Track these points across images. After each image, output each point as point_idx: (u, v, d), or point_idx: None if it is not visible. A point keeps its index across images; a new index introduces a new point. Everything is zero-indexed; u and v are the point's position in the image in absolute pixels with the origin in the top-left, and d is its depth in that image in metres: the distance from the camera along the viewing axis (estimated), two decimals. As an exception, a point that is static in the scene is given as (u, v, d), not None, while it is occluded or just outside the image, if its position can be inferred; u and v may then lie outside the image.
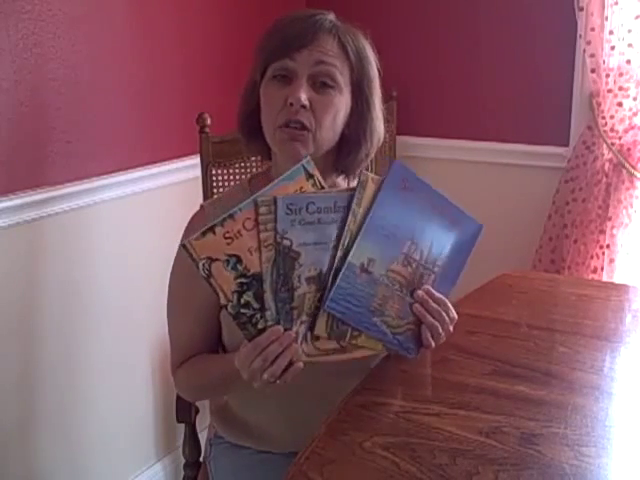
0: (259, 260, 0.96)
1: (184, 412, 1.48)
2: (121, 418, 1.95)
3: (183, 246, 0.95)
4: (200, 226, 1.08)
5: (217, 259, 0.95)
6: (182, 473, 1.52)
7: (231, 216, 0.95)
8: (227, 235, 0.95)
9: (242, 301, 0.96)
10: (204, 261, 0.94)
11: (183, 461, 1.53)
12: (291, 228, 0.96)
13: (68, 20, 1.65)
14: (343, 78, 1.10)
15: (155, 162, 1.93)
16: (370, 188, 1.02)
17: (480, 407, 1.02)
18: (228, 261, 0.95)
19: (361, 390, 1.07)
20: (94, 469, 1.89)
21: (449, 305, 1.07)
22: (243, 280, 0.96)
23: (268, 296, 0.96)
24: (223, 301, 0.96)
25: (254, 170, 1.68)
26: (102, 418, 1.89)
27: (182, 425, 1.51)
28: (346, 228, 1.00)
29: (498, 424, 0.97)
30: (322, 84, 1.08)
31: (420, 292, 1.05)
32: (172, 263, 1.22)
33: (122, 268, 1.88)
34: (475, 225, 1.10)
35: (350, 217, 1.00)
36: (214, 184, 1.66)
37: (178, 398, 1.45)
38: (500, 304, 1.42)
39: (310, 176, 1.00)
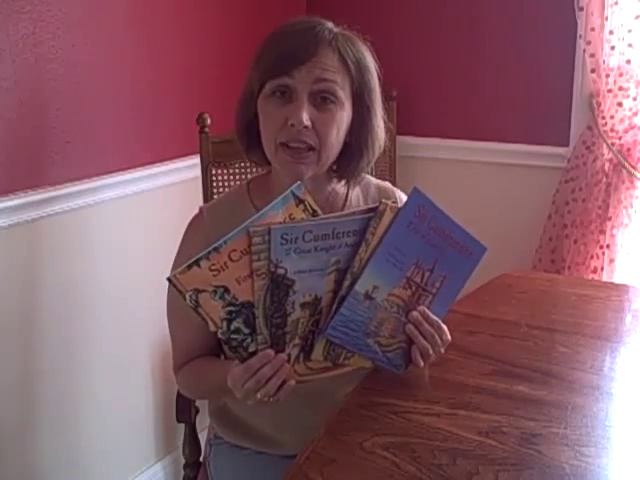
0: (251, 288, 0.96)
1: (184, 412, 1.47)
2: (121, 418, 1.95)
3: (169, 280, 0.95)
4: (200, 232, 1.09)
5: (204, 290, 0.95)
6: (182, 473, 1.52)
7: (216, 249, 0.95)
8: (213, 267, 0.95)
9: (232, 327, 0.97)
10: (191, 293, 0.95)
11: (183, 461, 1.53)
12: (286, 257, 0.95)
13: (68, 20, 1.65)
14: (344, 92, 1.08)
15: (155, 162, 1.93)
16: (387, 217, 1.00)
17: (480, 407, 1.02)
18: (215, 291, 0.95)
19: (361, 390, 1.07)
20: (94, 469, 1.89)
21: (443, 328, 1.06)
22: (232, 308, 0.96)
23: (261, 322, 0.97)
24: (212, 328, 0.96)
25: (254, 170, 1.68)
26: (102, 418, 1.89)
27: (182, 425, 1.51)
28: (357, 257, 0.99)
29: (498, 424, 0.97)
30: (322, 99, 1.07)
31: (415, 313, 1.04)
32: (171, 266, 1.22)
33: (122, 268, 1.88)
34: (479, 247, 1.07)
35: (363, 246, 0.99)
36: (214, 184, 1.66)
37: (178, 398, 1.45)
38: (500, 304, 1.42)
39: (300, 201, 1.00)
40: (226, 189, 1.66)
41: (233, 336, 0.97)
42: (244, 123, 1.14)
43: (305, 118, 1.04)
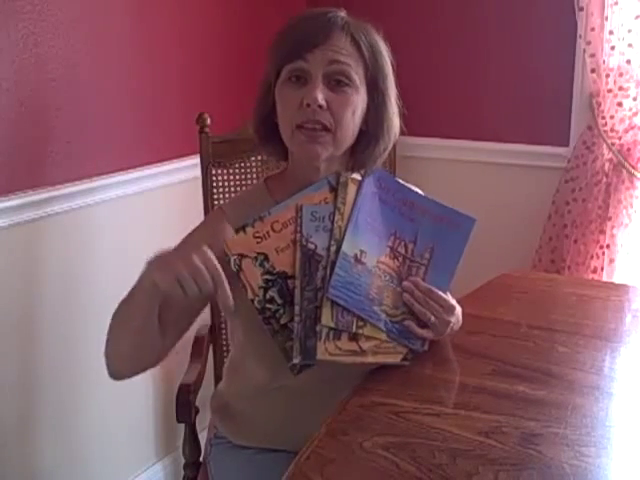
0: (287, 260, 1.03)
1: (184, 412, 1.47)
2: (121, 418, 1.95)
3: None
4: (221, 223, 1.12)
5: (247, 256, 1.03)
6: (182, 473, 1.52)
7: (261, 218, 1.04)
8: (256, 235, 1.03)
9: (267, 296, 1.03)
10: (235, 257, 1.02)
11: (183, 461, 1.53)
12: (315, 233, 1.05)
13: (68, 20, 1.65)
14: (358, 76, 1.10)
15: (155, 162, 1.93)
16: (351, 188, 1.09)
17: (480, 407, 1.02)
18: (256, 258, 1.03)
19: (361, 390, 1.07)
20: (94, 469, 1.89)
21: (439, 294, 1.11)
22: (269, 277, 1.03)
23: (297, 294, 1.03)
24: (250, 295, 1.02)
25: (254, 170, 1.68)
26: (102, 418, 1.89)
27: (182, 425, 1.51)
28: (334, 225, 1.06)
29: (498, 424, 0.97)
30: (337, 82, 1.08)
31: (406, 282, 1.10)
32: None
33: (122, 268, 1.87)
34: (467, 219, 1.13)
35: (337, 214, 1.07)
36: (214, 184, 1.66)
37: (178, 398, 1.45)
38: (500, 304, 1.42)
39: (333, 189, 1.09)
40: (226, 189, 1.66)
41: (268, 305, 1.03)
42: (262, 115, 1.15)
43: (320, 97, 1.06)
